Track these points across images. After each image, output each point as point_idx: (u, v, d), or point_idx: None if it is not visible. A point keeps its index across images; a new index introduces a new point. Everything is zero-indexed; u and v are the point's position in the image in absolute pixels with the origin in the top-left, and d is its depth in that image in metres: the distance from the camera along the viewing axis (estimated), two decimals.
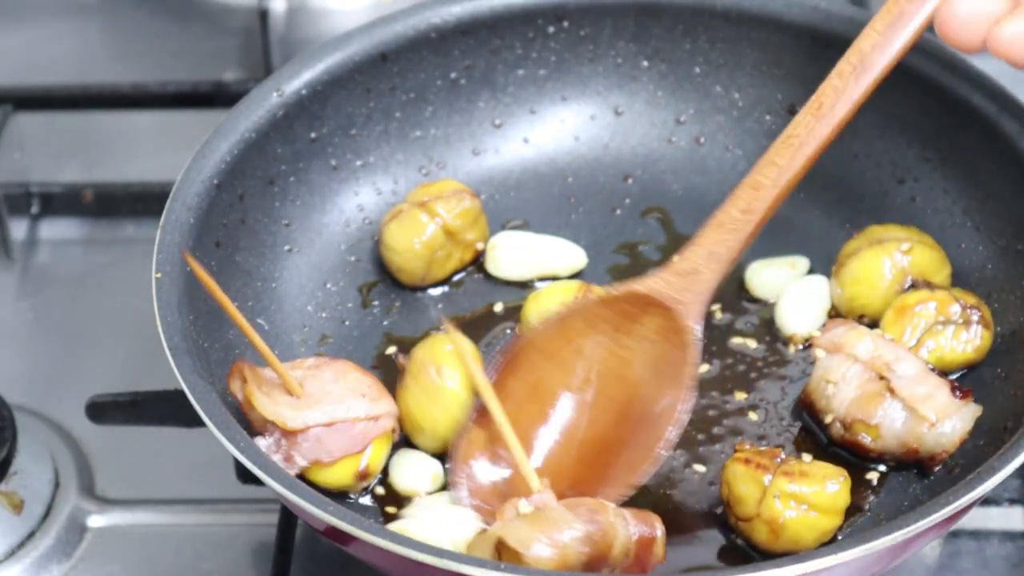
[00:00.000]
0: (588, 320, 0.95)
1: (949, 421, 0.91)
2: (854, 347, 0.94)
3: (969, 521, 0.96)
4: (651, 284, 0.94)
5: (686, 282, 0.94)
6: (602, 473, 0.92)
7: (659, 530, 0.87)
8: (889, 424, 0.92)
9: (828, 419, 0.94)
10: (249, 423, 0.91)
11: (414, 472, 0.94)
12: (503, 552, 0.84)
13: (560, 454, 0.94)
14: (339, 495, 0.92)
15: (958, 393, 0.92)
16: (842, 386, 0.93)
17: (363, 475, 0.92)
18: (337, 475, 0.92)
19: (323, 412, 0.91)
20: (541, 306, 0.98)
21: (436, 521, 0.90)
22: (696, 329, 0.93)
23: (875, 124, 1.06)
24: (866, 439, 0.92)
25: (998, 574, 0.96)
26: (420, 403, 0.94)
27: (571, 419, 0.94)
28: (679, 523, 0.92)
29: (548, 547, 0.84)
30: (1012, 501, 0.95)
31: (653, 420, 0.93)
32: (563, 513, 0.86)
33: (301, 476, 0.90)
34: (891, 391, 0.92)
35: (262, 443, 0.90)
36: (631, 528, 0.87)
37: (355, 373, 0.93)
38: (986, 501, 0.94)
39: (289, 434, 0.90)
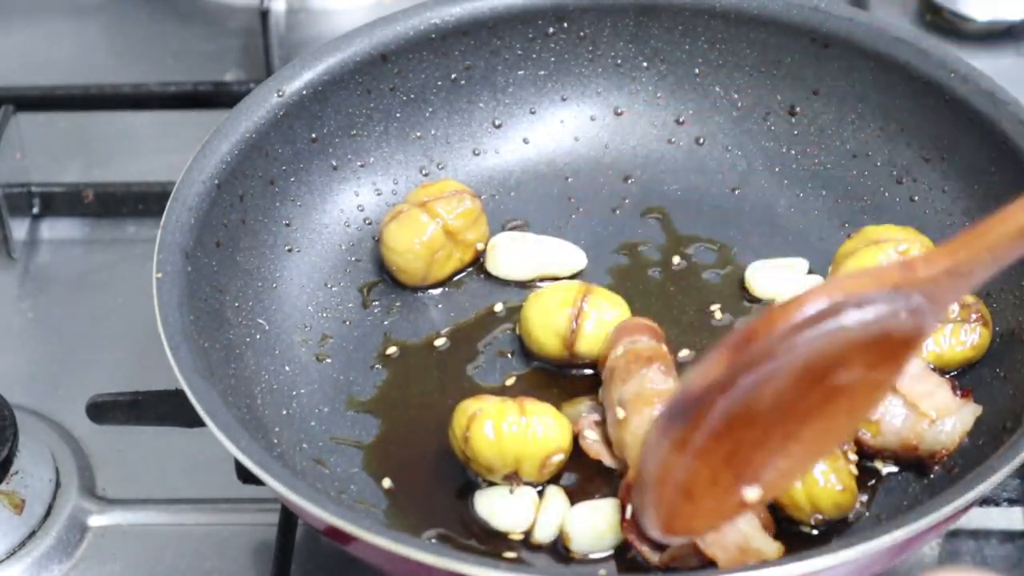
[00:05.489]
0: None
1: (949, 419, 0.91)
2: None
3: (968, 521, 0.96)
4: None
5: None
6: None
7: None
8: (889, 420, 0.92)
9: None
10: None
11: None
12: None
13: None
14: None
15: (959, 392, 0.92)
16: None
17: None
18: None
19: None
20: (541, 306, 0.98)
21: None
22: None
23: (875, 124, 1.06)
24: (866, 435, 0.92)
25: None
26: None
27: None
28: None
29: None
30: (1012, 501, 0.95)
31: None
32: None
33: None
34: (891, 388, 0.92)
35: None
36: None
37: None
38: (985, 501, 0.94)
39: None
